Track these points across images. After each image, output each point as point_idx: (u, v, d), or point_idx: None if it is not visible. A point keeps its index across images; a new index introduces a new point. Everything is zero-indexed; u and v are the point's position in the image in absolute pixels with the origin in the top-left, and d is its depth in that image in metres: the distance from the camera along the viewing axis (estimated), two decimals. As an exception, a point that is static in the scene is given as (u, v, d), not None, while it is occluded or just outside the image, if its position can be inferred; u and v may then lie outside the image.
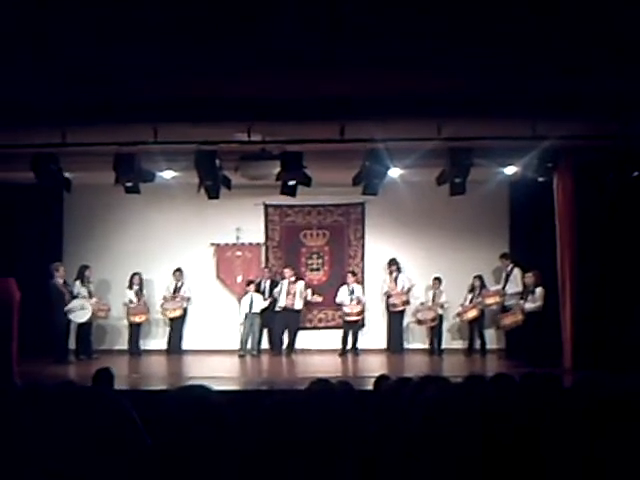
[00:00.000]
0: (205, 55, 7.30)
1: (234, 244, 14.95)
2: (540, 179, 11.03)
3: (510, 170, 11.68)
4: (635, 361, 10.48)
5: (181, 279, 14.53)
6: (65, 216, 14.65)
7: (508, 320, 13.14)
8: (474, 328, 14.06)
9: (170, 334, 14.52)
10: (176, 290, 14.50)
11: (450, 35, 6.80)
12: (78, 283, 13.87)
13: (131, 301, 14.30)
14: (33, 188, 11.25)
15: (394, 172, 11.05)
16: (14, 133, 9.51)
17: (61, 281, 13.59)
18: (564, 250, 12.03)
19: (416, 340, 14.63)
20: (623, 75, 7.91)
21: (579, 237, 11.84)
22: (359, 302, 14.23)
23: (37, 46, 6.95)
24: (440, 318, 14.13)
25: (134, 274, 14.34)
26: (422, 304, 14.24)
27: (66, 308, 13.34)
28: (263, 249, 15.06)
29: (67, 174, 10.76)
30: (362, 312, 14.27)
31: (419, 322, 14.21)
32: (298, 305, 14.25)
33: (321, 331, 14.86)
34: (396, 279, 14.38)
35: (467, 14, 6.30)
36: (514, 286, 13.46)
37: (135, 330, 14.36)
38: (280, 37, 6.79)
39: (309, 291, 14.44)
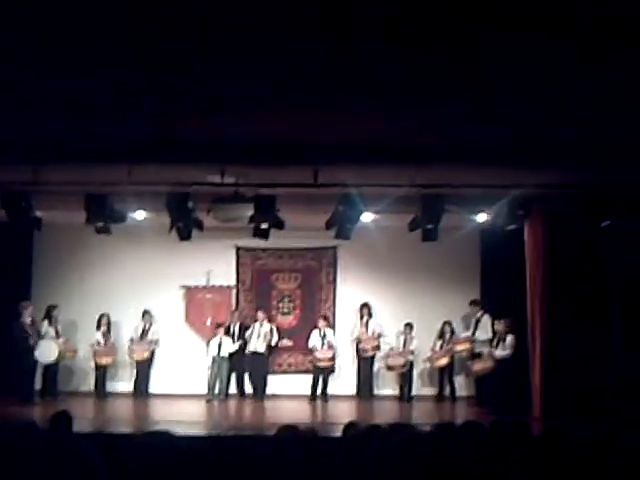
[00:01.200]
0: (179, 96, 7.31)
1: (204, 287, 14.85)
2: (511, 227, 11.13)
3: (481, 217, 11.77)
4: (603, 409, 10.53)
5: (149, 321, 14.38)
6: (34, 254, 14.51)
7: (478, 367, 13.16)
8: (444, 375, 14.04)
9: (137, 377, 14.32)
10: (144, 332, 14.33)
11: (422, 83, 6.87)
12: (46, 323, 13.69)
13: (98, 342, 14.12)
14: (3, 225, 11.15)
15: (367, 217, 11.10)
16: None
17: (29, 320, 13.41)
18: (534, 297, 12.10)
19: (386, 386, 14.55)
20: (595, 125, 8.02)
21: (549, 285, 11.91)
22: (331, 347, 14.15)
23: (8, 82, 6.92)
24: (410, 364, 14.07)
25: (102, 315, 14.18)
26: (392, 349, 14.19)
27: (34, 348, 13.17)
28: (234, 292, 14.97)
29: (38, 212, 10.69)
30: (333, 357, 14.17)
31: (389, 368, 14.13)
32: (261, 348, 14.13)
33: (291, 376, 14.74)
34: (367, 324, 14.33)
35: (439, 63, 6.38)
36: (484, 333, 13.49)
37: (102, 372, 14.15)
38: (254, 81, 6.83)
39: (275, 336, 14.32)
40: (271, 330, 14.27)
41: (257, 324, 14.21)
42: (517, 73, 6.62)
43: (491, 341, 13.16)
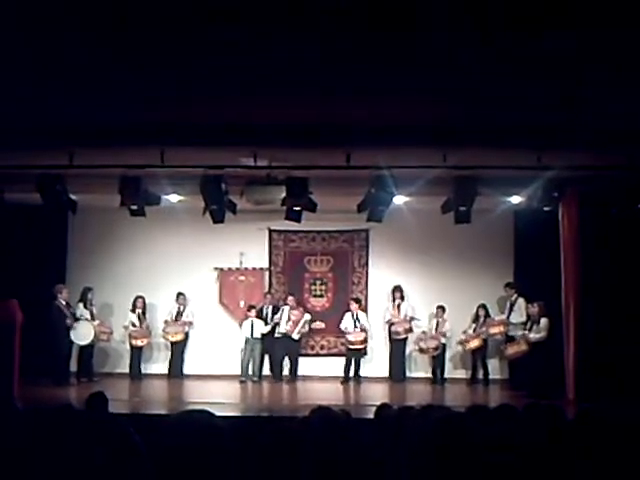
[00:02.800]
0: (213, 79, 7.33)
1: (237, 269, 14.93)
2: (545, 209, 11.03)
3: (515, 199, 11.68)
4: (638, 392, 10.43)
5: (184, 303, 14.50)
6: (69, 238, 14.67)
7: (512, 350, 13.10)
8: (477, 358, 14.00)
9: (171, 358, 14.47)
10: (178, 314, 14.47)
11: (456, 65, 6.82)
12: (81, 305, 13.87)
13: (133, 324, 14.27)
14: (38, 209, 11.25)
15: (399, 199, 11.07)
16: (20, 154, 9.53)
17: (64, 303, 13.59)
18: (569, 280, 11.99)
19: (418, 369, 14.55)
20: (629, 106, 7.92)
21: (584, 267, 11.81)
22: (363, 330, 14.17)
23: (44, 67, 6.98)
24: (443, 347, 14.06)
25: (137, 297, 14.32)
26: (424, 332, 14.17)
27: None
28: (266, 274, 15.03)
29: (73, 196, 10.78)
30: (366, 340, 14.20)
31: (421, 351, 14.11)
32: (295, 335, 14.21)
33: (323, 358, 14.79)
34: (399, 307, 14.32)
35: (473, 45, 6.33)
36: (518, 316, 13.42)
37: (137, 353, 14.32)
38: (287, 64, 6.82)
39: (307, 326, 14.37)
40: (308, 322, 14.33)
41: (286, 308, 14.27)
42: (550, 55, 6.54)
43: (525, 324, 13.09)
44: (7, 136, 8.88)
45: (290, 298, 14.43)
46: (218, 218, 10.89)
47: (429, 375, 14.27)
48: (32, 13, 5.65)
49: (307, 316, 14.35)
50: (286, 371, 14.27)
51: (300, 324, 14.18)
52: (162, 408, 11.05)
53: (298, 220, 10.95)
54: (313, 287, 15.05)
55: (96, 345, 14.03)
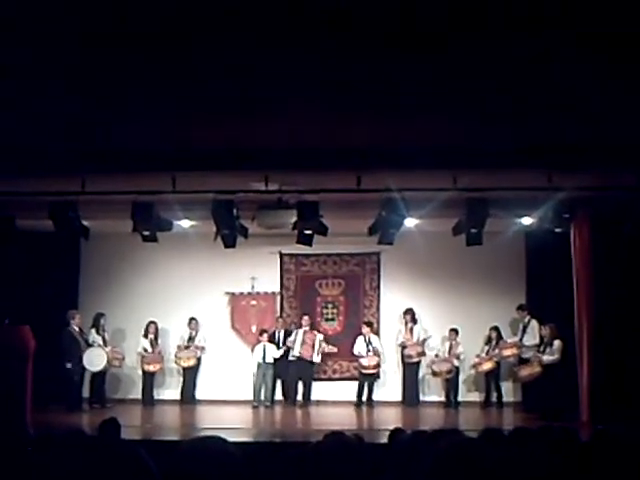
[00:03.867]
0: (223, 104, 7.37)
1: (249, 293, 14.92)
2: (557, 230, 11.00)
3: (526, 220, 11.66)
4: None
5: (196, 328, 14.49)
6: (82, 263, 14.71)
7: (525, 372, 13.02)
8: (490, 380, 13.92)
9: (183, 384, 14.44)
10: (190, 339, 14.45)
11: (467, 85, 6.85)
12: (93, 331, 13.88)
13: (146, 350, 14.26)
14: (50, 235, 11.30)
15: (410, 222, 11.06)
16: (32, 180, 9.59)
17: (77, 329, 13.61)
18: (581, 301, 11.93)
19: (432, 392, 14.47)
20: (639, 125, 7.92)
21: (597, 288, 11.75)
22: (376, 353, 14.11)
23: (54, 93, 7.04)
24: (456, 370, 13.98)
25: (150, 322, 14.32)
26: (437, 355, 14.11)
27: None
28: (278, 298, 15.02)
29: (85, 222, 10.82)
30: (379, 364, 14.14)
31: (434, 374, 14.04)
32: (316, 358, 14.16)
33: (336, 382, 14.73)
34: (412, 330, 14.26)
35: (484, 65, 6.35)
36: (531, 338, 13.36)
37: (149, 379, 14.29)
38: (298, 87, 6.86)
39: (324, 344, 14.34)
40: (322, 340, 14.28)
41: (301, 330, 14.24)
42: (561, 75, 6.56)
43: (538, 346, 13.02)
44: (19, 162, 8.95)
45: (305, 318, 14.40)
46: (229, 243, 10.91)
47: (442, 399, 14.19)
48: (39, 38, 5.71)
49: (320, 336, 14.30)
50: (299, 395, 14.21)
51: (317, 345, 14.13)
52: (175, 434, 11.02)
53: (309, 244, 10.96)
54: (325, 310, 15.01)
55: (108, 371, 14.02)
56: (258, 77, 6.61)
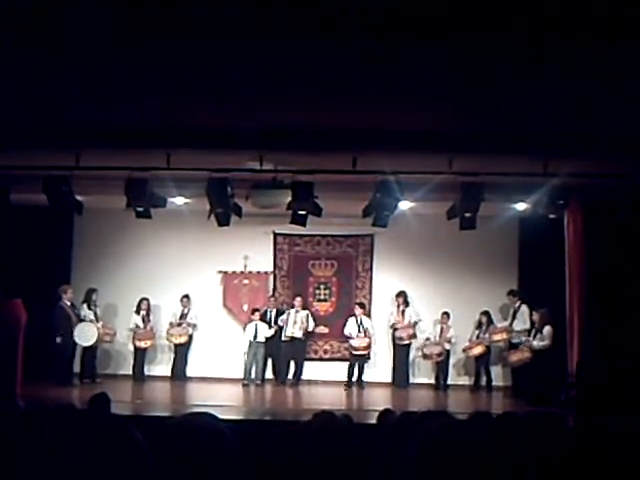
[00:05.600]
0: (220, 83, 7.34)
1: (242, 272, 14.93)
2: (551, 216, 11.02)
3: (521, 206, 11.67)
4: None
5: (188, 305, 14.51)
6: (75, 238, 14.69)
7: (515, 357, 13.08)
8: (480, 364, 13.99)
9: (175, 360, 14.48)
10: (183, 316, 14.47)
11: (463, 70, 6.83)
12: (85, 306, 13.88)
13: (137, 326, 14.28)
14: (43, 210, 11.28)
15: (404, 204, 11.07)
16: (27, 155, 9.56)
17: (69, 303, 13.61)
18: (573, 288, 11.98)
19: (422, 374, 14.53)
20: (635, 115, 7.91)
21: (588, 275, 11.79)
22: (367, 335, 14.15)
23: (51, 68, 7.01)
24: (447, 353, 14.04)
25: (142, 299, 14.33)
26: (428, 339, 14.16)
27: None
28: (271, 278, 15.04)
29: (78, 197, 10.79)
30: (370, 345, 14.17)
31: (425, 356, 14.10)
32: (298, 334, 14.18)
33: (326, 362, 14.78)
34: (403, 312, 14.30)
35: (480, 50, 6.33)
36: (521, 323, 13.41)
37: (140, 355, 14.32)
38: (296, 68, 6.84)
39: (311, 323, 14.37)
40: (307, 317, 14.31)
41: (293, 310, 14.26)
42: (557, 63, 6.55)
43: (529, 332, 13.08)
44: (14, 137, 8.91)
45: (297, 299, 14.41)
46: (223, 221, 10.90)
47: (432, 381, 14.25)
48: (34, 17, 5.68)
49: (302, 313, 14.28)
50: (290, 374, 14.27)
51: (299, 321, 14.13)
52: (165, 410, 11.06)
53: (303, 224, 10.96)
54: (317, 291, 15.03)
55: (99, 346, 14.03)
56: (253, 58, 6.58)
